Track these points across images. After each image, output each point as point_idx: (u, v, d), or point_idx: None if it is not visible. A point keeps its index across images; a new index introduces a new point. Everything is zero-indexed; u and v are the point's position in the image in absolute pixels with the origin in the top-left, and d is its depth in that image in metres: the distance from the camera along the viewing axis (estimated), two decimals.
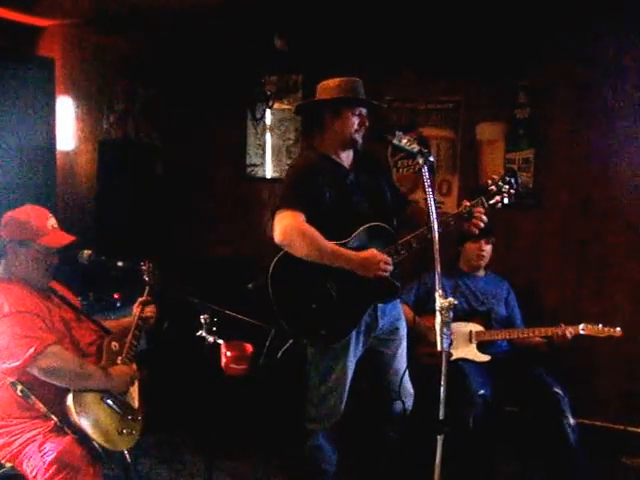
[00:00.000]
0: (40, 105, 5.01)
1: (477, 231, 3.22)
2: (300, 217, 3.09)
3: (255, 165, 5.52)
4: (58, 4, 4.90)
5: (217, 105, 5.55)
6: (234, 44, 5.32)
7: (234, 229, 5.62)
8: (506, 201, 3.23)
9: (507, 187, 3.21)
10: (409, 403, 3.51)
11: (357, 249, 3.13)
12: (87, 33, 5.48)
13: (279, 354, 3.17)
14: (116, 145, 5.62)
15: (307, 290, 3.17)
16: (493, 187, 3.23)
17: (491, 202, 3.22)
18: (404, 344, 3.50)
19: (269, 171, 5.52)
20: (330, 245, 3.08)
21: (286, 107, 5.37)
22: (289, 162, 5.36)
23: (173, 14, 5.06)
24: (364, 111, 3.28)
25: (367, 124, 3.28)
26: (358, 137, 3.27)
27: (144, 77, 5.73)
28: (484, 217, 3.19)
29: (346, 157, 3.35)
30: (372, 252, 3.08)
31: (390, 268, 3.10)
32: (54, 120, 5.16)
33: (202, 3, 4.84)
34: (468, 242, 4.22)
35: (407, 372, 3.42)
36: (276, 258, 3.17)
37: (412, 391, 3.53)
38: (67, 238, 3.03)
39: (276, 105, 5.39)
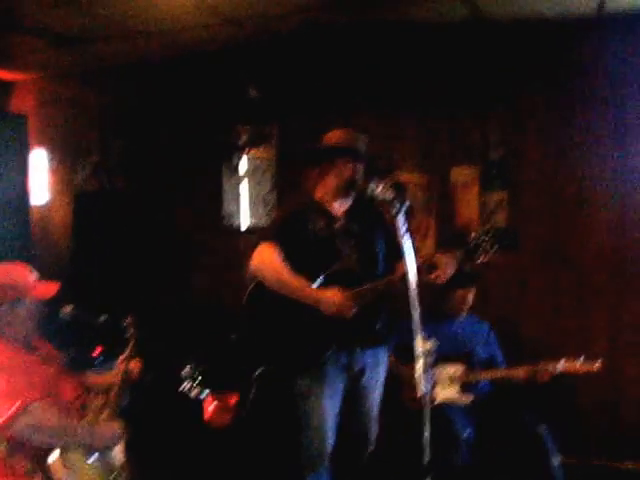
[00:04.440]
0: (13, 160, 5.01)
1: (442, 281, 3.24)
2: (275, 250, 3.22)
3: (231, 215, 5.54)
4: (28, 59, 4.95)
5: (192, 155, 5.59)
6: (207, 94, 5.39)
7: (213, 280, 5.58)
8: (486, 259, 3.19)
9: (489, 245, 3.16)
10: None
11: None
12: (59, 87, 5.52)
13: (254, 377, 3.18)
14: (92, 197, 5.62)
15: (279, 315, 3.26)
16: (472, 243, 3.19)
17: (469, 257, 3.21)
18: (378, 392, 3.50)
19: (245, 220, 5.54)
20: (294, 280, 3.17)
21: (262, 155, 5.40)
22: (265, 210, 5.40)
23: (145, 66, 5.14)
24: (359, 166, 3.32)
25: (361, 176, 3.30)
26: (350, 189, 3.32)
27: (118, 128, 5.76)
28: (449, 271, 3.20)
29: (339, 205, 3.40)
30: (334, 292, 3.13)
31: (349, 312, 3.12)
32: (27, 175, 5.15)
33: (176, 54, 4.92)
34: (458, 289, 4.20)
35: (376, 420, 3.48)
36: (252, 284, 3.33)
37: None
38: (53, 286, 3.03)
39: (252, 153, 5.43)
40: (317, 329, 3.21)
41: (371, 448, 3.51)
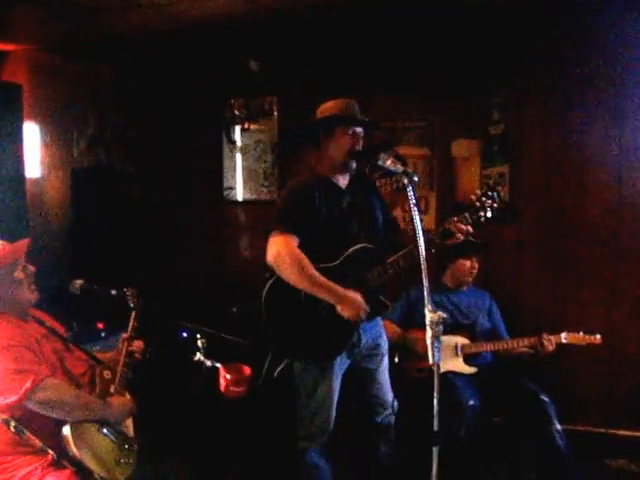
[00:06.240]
0: (7, 132, 4.93)
1: (461, 239, 3.28)
2: (292, 242, 3.12)
3: (232, 188, 5.53)
4: (23, 29, 4.89)
5: (192, 128, 5.56)
6: (206, 66, 5.35)
7: (214, 252, 5.60)
8: (489, 214, 3.26)
9: (490, 201, 3.26)
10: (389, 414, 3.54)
11: (346, 271, 3.21)
12: (54, 58, 5.45)
13: (275, 374, 3.18)
14: (89, 172, 5.58)
15: (299, 311, 3.21)
16: (477, 203, 3.27)
17: (475, 217, 3.27)
18: (386, 360, 3.54)
19: (241, 193, 5.53)
20: (317, 276, 3.12)
21: (262, 128, 5.39)
22: (266, 184, 5.40)
23: (144, 38, 5.08)
24: (358, 130, 3.28)
25: (361, 144, 3.29)
26: (353, 157, 3.28)
27: (114, 101, 5.71)
28: (463, 229, 3.24)
29: (342, 179, 3.37)
30: (356, 297, 3.15)
31: (364, 316, 3.16)
32: (22, 147, 5.07)
33: (175, 26, 4.87)
34: (460, 259, 4.26)
35: (389, 385, 3.50)
36: (270, 281, 3.21)
37: (393, 402, 3.55)
38: (21, 243, 2.96)
39: (252, 127, 5.41)
40: (336, 327, 3.22)
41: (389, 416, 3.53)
